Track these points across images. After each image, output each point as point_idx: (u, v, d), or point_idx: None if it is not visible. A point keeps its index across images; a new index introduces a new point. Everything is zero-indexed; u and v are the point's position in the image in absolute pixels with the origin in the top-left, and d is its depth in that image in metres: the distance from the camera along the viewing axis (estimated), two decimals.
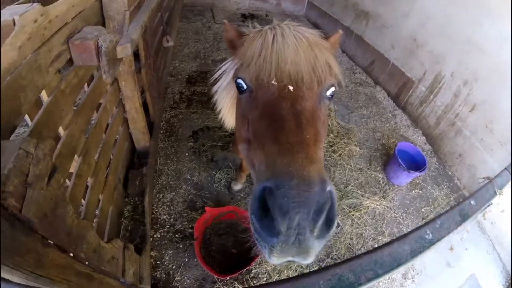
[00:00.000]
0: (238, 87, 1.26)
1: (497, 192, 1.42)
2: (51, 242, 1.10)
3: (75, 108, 1.77)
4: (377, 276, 0.88)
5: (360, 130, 4.57)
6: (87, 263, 1.30)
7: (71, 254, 1.18)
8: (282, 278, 2.64)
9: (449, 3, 4.32)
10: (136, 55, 2.73)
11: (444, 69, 4.43)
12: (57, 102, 1.44)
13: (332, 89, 1.24)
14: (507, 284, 3.42)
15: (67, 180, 1.82)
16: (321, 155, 1.02)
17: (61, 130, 1.72)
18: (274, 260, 0.84)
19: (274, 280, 2.61)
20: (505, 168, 1.92)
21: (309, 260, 0.84)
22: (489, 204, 1.39)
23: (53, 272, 1.08)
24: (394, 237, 3.11)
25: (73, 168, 1.85)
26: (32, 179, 0.94)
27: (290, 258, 0.85)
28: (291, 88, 1.10)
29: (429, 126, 4.75)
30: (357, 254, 0.98)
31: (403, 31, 5.25)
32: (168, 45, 3.61)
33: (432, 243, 0.98)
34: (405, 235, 0.97)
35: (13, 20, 1.10)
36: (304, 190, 0.79)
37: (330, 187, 0.85)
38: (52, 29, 1.28)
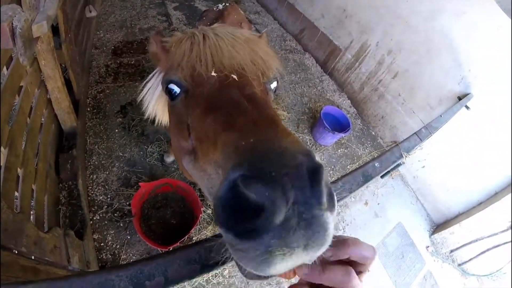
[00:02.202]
0: (171, 93, 1.09)
1: (403, 155, 1.64)
2: None
3: None
4: None
5: (288, 96, 4.79)
6: (33, 257, 1.28)
7: (15, 251, 1.16)
8: None
9: None
10: (55, 29, 2.50)
11: (370, 39, 4.75)
12: None
13: (275, 83, 1.16)
14: (432, 229, 4.05)
15: None
16: None
17: None
18: (278, 267, 0.54)
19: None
20: (415, 133, 2.18)
21: (326, 245, 0.56)
22: (398, 165, 1.62)
23: None
24: None
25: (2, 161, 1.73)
26: None
27: (300, 251, 0.53)
28: (235, 77, 0.98)
29: (354, 91, 5.16)
30: None
31: (333, 1, 5.43)
32: (91, 15, 3.34)
33: None
34: None
35: None
36: (291, 159, 0.58)
37: (317, 157, 0.61)
38: None
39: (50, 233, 1.65)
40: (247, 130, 0.72)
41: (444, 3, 3.65)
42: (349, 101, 5.18)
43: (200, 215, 2.69)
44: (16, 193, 1.75)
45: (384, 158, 1.51)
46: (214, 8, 2.68)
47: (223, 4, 2.69)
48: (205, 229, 2.82)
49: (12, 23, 1.37)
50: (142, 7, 5.91)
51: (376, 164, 1.39)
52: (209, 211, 2.90)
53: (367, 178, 1.27)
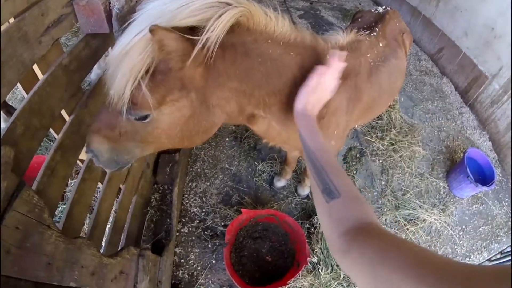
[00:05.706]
0: None
1: None
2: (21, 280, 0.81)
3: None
4: None
5: (424, 127, 3.91)
6: None
7: None
8: None
9: None
10: None
11: None
12: (55, 82, 1.12)
13: None
14: None
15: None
16: None
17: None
18: None
19: None
20: None
21: None
22: None
23: None
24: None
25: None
26: None
27: None
28: None
29: (497, 131, 3.97)
30: None
31: (479, 18, 4.39)
32: None
33: None
34: None
35: None
36: None
37: None
38: None
39: (119, 256, 1.40)
40: None
41: None
42: (490, 143, 4.00)
43: (304, 265, 2.17)
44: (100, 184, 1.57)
45: None
46: (372, 10, 2.20)
47: (384, 7, 2.19)
48: (303, 278, 2.27)
49: (109, 3, 1.14)
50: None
51: None
52: (314, 259, 2.36)
53: None
